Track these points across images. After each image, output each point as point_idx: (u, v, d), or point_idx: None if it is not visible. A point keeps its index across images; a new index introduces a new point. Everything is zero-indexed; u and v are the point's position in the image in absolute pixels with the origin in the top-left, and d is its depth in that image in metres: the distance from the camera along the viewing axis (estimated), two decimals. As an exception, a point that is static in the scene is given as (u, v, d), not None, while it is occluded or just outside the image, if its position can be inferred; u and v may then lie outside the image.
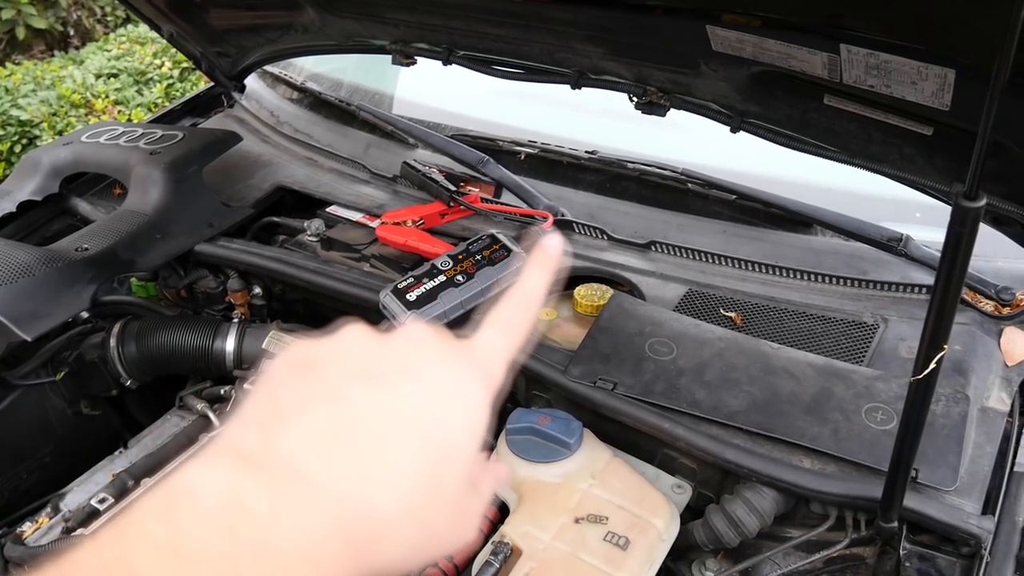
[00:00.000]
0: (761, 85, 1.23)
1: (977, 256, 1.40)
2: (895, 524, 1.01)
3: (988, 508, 1.04)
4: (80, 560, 0.38)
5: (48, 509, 1.34)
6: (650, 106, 1.40)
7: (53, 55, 5.21)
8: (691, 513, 1.16)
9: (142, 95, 4.18)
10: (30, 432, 1.56)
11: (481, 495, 0.52)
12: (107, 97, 4.09)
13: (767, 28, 1.05)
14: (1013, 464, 1.12)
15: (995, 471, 1.08)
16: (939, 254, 1.40)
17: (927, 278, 1.38)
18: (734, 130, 1.34)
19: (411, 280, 1.31)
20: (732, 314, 1.33)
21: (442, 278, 1.31)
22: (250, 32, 1.95)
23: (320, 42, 1.84)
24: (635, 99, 1.41)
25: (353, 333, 0.50)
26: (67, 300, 1.47)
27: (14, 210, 1.81)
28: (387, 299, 1.31)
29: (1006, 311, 1.32)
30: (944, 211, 1.24)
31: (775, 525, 1.11)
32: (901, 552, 1.02)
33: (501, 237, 1.38)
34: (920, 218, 1.48)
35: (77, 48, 5.23)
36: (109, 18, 5.50)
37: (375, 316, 1.44)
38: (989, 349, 1.27)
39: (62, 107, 3.99)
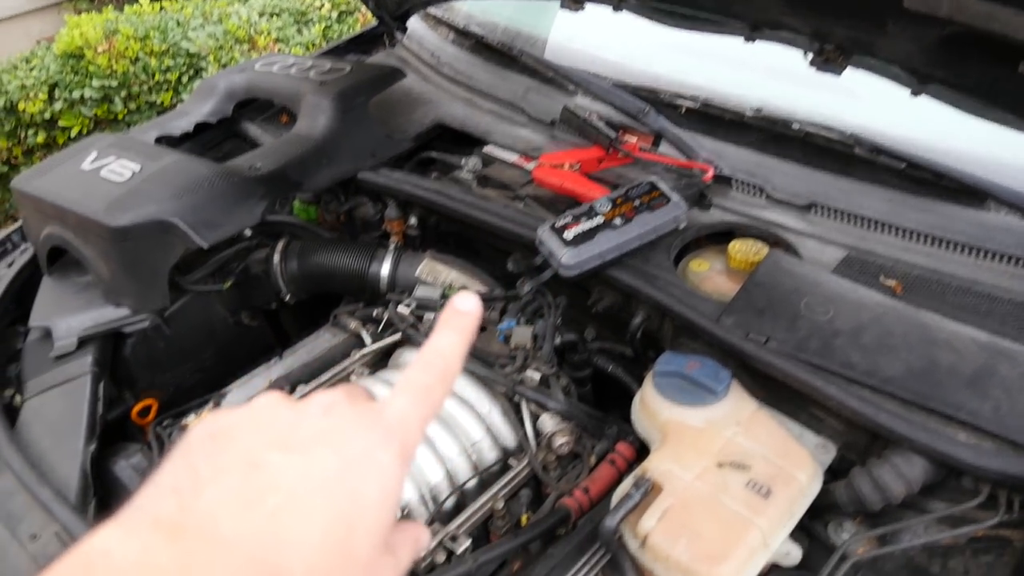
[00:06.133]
0: (950, 48, 1.18)
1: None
2: (1058, 509, 0.98)
3: None
4: None
5: (210, 405, 1.45)
6: (826, 63, 1.36)
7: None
8: (831, 475, 1.14)
9: (301, 34, 4.34)
10: (195, 336, 1.67)
11: (398, 559, 0.53)
12: (269, 35, 4.27)
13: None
14: None
15: None
16: None
17: (1110, 266, 1.30)
18: (915, 93, 1.29)
19: (569, 219, 1.33)
20: (892, 282, 1.30)
21: (600, 219, 1.32)
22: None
23: (492, -17, 1.87)
24: (811, 56, 1.38)
25: (268, 402, 0.52)
26: (240, 213, 1.56)
27: (191, 130, 1.94)
28: (545, 234, 1.33)
29: None
30: None
31: (919, 495, 1.09)
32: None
33: (661, 185, 1.37)
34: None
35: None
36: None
37: (530, 252, 1.47)
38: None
39: (227, 41, 4.18)
